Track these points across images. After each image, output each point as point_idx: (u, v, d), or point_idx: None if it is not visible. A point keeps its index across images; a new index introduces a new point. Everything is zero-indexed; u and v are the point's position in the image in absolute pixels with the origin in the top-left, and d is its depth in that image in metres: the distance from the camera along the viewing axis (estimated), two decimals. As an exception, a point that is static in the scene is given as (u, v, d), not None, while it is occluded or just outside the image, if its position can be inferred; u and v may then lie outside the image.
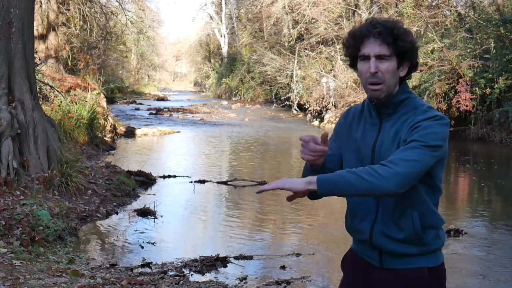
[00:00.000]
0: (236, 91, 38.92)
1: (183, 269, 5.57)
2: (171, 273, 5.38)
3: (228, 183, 10.29)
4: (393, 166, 1.91)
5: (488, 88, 16.98)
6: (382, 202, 2.08)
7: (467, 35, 18.83)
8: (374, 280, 2.14)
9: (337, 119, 22.19)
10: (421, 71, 18.14)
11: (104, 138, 14.87)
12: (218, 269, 5.69)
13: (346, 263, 2.30)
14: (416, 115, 2.05)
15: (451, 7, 21.46)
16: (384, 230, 2.07)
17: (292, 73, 28.07)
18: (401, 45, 2.05)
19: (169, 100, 38.26)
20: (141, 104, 32.45)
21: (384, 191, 1.91)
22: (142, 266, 5.64)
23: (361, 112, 2.22)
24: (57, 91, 13.37)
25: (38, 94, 10.14)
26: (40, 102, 9.97)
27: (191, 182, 10.24)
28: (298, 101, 27.16)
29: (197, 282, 5.13)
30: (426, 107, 2.09)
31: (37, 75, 11.06)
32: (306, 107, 25.80)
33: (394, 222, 2.06)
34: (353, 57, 2.13)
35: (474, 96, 17.20)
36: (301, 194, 1.98)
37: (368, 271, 2.16)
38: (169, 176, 10.66)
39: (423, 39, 19.07)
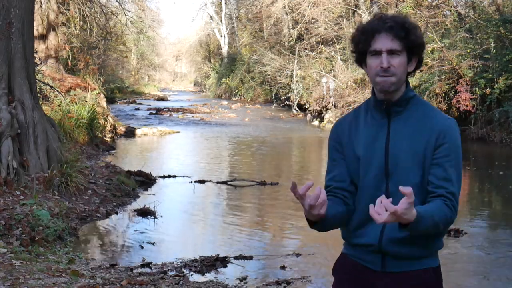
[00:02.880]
0: (236, 91, 38.90)
1: (183, 269, 5.57)
2: (171, 273, 5.38)
3: (228, 183, 10.28)
4: (456, 196, 2.00)
5: (488, 88, 16.97)
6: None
7: (467, 35, 18.83)
8: (373, 285, 2.08)
9: (337, 119, 22.17)
10: (421, 71, 18.11)
11: (104, 138, 14.87)
12: (218, 269, 5.68)
13: (339, 269, 2.21)
14: (438, 120, 2.06)
15: (451, 7, 21.47)
16: (395, 233, 1.99)
17: (292, 73, 28.06)
18: (413, 38, 2.03)
19: (169, 100, 38.25)
20: (141, 104, 32.44)
21: (452, 222, 2.02)
22: (142, 266, 5.64)
23: (356, 120, 2.15)
24: (57, 91, 13.37)
25: (38, 94, 10.14)
26: (40, 102, 9.97)
27: (191, 182, 10.23)
28: (298, 101, 27.15)
29: (197, 282, 5.13)
30: (438, 110, 2.13)
31: (37, 75, 11.05)
32: (306, 107, 25.79)
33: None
34: (362, 53, 2.07)
35: (474, 96, 17.19)
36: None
37: (366, 275, 2.10)
38: (169, 176, 10.66)
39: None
